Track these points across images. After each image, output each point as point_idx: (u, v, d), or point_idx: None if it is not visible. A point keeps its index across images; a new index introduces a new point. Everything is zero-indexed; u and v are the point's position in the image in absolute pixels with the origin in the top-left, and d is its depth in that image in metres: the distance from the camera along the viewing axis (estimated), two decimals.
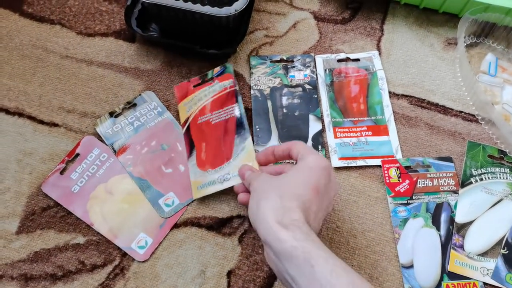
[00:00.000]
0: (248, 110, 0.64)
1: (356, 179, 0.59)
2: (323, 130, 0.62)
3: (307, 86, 0.65)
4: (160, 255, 0.55)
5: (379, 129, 0.62)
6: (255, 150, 0.59)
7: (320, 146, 0.61)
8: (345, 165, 0.60)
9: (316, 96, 0.64)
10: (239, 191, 0.53)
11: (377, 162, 0.60)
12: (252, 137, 0.61)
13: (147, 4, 0.61)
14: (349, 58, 0.67)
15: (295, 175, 0.46)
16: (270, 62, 0.67)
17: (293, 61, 0.67)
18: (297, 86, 0.65)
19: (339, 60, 0.67)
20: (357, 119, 0.63)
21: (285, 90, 0.65)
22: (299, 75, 0.66)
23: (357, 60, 0.67)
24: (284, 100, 0.64)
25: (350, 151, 0.61)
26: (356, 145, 0.61)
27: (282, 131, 0.62)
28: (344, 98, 0.64)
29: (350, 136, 0.62)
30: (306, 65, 0.67)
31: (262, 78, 0.66)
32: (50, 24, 0.70)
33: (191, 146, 0.61)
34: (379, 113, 0.63)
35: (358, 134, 0.62)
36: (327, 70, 0.66)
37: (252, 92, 0.65)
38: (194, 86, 0.65)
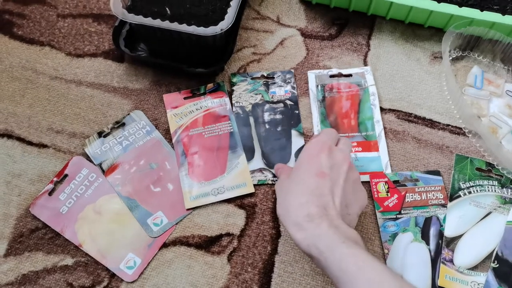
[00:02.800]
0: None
1: None
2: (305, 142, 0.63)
3: (288, 102, 0.66)
4: (149, 275, 0.55)
5: (369, 145, 0.62)
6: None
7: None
8: None
9: (297, 112, 0.65)
10: None
11: (367, 178, 0.60)
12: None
13: (134, 25, 0.62)
14: (341, 74, 0.68)
15: (298, 168, 0.48)
16: (251, 79, 0.67)
17: (274, 78, 0.67)
18: (278, 102, 0.66)
19: (331, 76, 0.67)
20: (347, 134, 0.63)
21: (267, 106, 0.65)
22: (280, 91, 0.66)
23: (350, 75, 0.68)
24: (266, 116, 0.65)
25: None
26: None
27: (265, 148, 0.62)
28: (335, 114, 0.65)
29: None
30: (287, 81, 0.67)
31: (243, 95, 0.66)
32: (40, 45, 0.70)
33: (182, 155, 0.61)
34: (369, 128, 0.64)
35: None
36: (319, 86, 0.66)
37: (234, 109, 0.65)
38: (185, 98, 0.65)
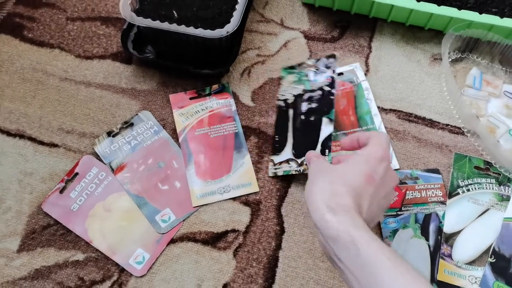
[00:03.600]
0: (244, 129, 0.66)
1: None
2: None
3: (326, 88, 0.65)
4: (157, 270, 0.56)
5: None
6: (271, 160, 0.63)
7: (327, 151, 0.60)
8: None
9: (333, 97, 0.63)
10: None
11: None
12: (273, 145, 0.64)
13: (142, 28, 0.64)
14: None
15: (350, 162, 0.46)
16: (299, 70, 0.68)
17: (317, 65, 0.68)
18: (316, 90, 0.66)
19: None
20: (349, 130, 0.65)
21: (306, 95, 0.66)
22: (321, 78, 0.66)
23: (341, 74, 0.69)
24: (304, 107, 0.65)
25: None
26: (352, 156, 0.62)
27: (296, 139, 0.63)
28: (335, 112, 0.66)
29: None
30: (328, 65, 0.67)
31: (289, 88, 0.67)
32: (50, 48, 0.72)
33: (188, 154, 0.63)
34: (369, 122, 0.65)
35: None
36: None
37: (277, 103, 0.67)
38: (191, 99, 0.67)
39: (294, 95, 0.66)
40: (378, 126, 0.65)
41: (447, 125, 0.66)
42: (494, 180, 0.61)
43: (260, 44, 0.73)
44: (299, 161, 0.61)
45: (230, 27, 0.61)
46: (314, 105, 0.64)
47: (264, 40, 0.73)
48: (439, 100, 0.68)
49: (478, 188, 0.61)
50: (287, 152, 0.62)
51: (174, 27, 0.61)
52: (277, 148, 0.63)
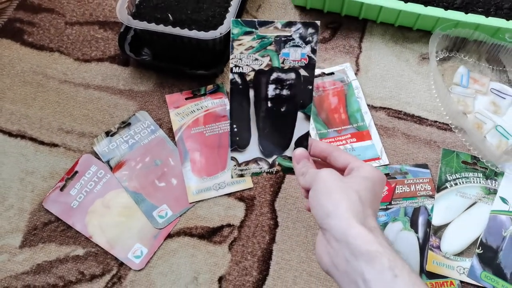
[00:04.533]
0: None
1: None
2: (310, 135, 0.54)
3: (303, 73, 0.49)
4: (155, 264, 0.58)
5: (362, 135, 0.66)
6: (233, 158, 0.51)
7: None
8: None
9: (311, 87, 0.50)
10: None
11: None
12: (231, 139, 0.50)
13: (139, 31, 0.66)
14: (324, 73, 0.72)
15: (365, 183, 0.45)
16: (259, 33, 0.48)
17: (291, 35, 0.48)
18: (289, 70, 0.49)
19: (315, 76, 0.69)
20: (340, 128, 0.67)
21: (274, 75, 0.49)
22: (295, 54, 0.49)
23: (332, 73, 0.72)
24: (271, 90, 0.49)
25: None
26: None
27: (262, 132, 0.50)
28: (326, 111, 0.69)
29: (337, 145, 0.66)
30: (307, 39, 0.48)
31: (245, 57, 0.49)
32: (49, 51, 0.75)
33: (185, 152, 0.65)
34: (359, 120, 0.68)
35: (344, 142, 0.66)
36: None
37: (231, 76, 0.49)
38: (186, 99, 0.69)
39: (254, 70, 0.49)
40: (368, 124, 0.67)
41: (435, 121, 0.68)
42: (481, 174, 0.63)
43: None
44: (270, 160, 0.51)
45: (223, 29, 0.63)
46: (285, 92, 0.50)
47: None
48: (427, 98, 0.70)
49: (466, 182, 0.63)
50: (253, 148, 0.51)
51: (169, 29, 0.63)
52: (238, 143, 0.50)
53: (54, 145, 0.67)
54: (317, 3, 0.76)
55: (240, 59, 0.49)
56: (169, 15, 0.66)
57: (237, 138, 0.50)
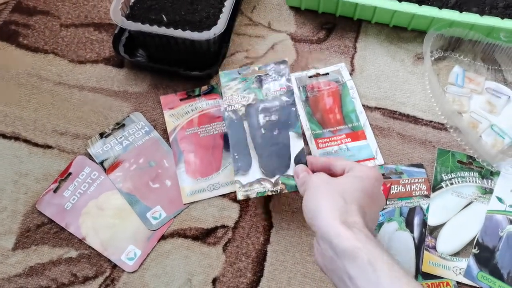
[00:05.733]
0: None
1: None
2: (305, 143, 0.64)
3: (284, 99, 0.60)
4: (149, 266, 0.58)
5: (357, 135, 0.66)
6: (236, 180, 0.58)
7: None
8: None
9: (294, 109, 0.60)
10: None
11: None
12: (234, 165, 0.59)
13: (133, 32, 0.66)
14: (319, 73, 0.71)
15: (354, 181, 0.47)
16: (242, 76, 0.63)
17: (267, 71, 0.63)
18: (273, 99, 0.61)
19: (310, 76, 0.71)
20: (335, 128, 0.67)
21: (261, 106, 0.60)
22: (274, 86, 0.61)
23: (327, 74, 0.71)
24: (261, 119, 0.60)
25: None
26: (338, 152, 0.64)
27: (262, 156, 0.59)
28: (321, 111, 0.68)
29: (332, 145, 0.65)
30: (281, 73, 0.62)
31: (235, 97, 0.62)
32: (44, 53, 0.75)
33: (179, 153, 0.64)
34: (354, 120, 0.67)
35: (339, 142, 0.65)
36: (301, 87, 0.70)
37: (226, 114, 0.61)
38: (181, 100, 0.69)
39: (244, 105, 0.61)
40: (363, 124, 0.67)
41: (431, 121, 0.68)
42: (477, 173, 0.63)
43: (248, 46, 0.75)
44: (273, 180, 0.57)
45: (217, 30, 0.63)
46: (274, 117, 0.60)
47: (252, 43, 0.75)
48: (422, 98, 0.70)
49: (461, 182, 0.62)
50: (255, 171, 0.58)
51: (163, 30, 0.63)
52: (242, 168, 0.58)
53: (48, 146, 0.66)
54: (312, 4, 0.76)
55: (231, 99, 0.61)
56: (163, 16, 0.66)
57: (239, 164, 0.59)
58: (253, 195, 0.57)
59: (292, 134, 0.59)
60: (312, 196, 0.47)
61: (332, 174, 0.51)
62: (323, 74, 0.71)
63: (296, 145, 0.58)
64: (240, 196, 0.57)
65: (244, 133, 0.60)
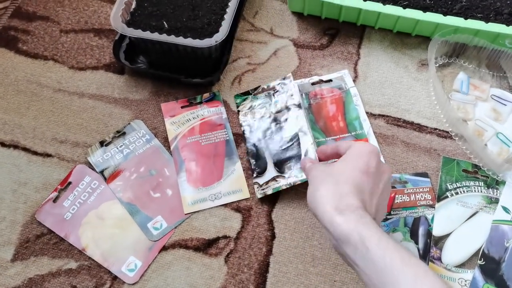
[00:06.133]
0: (235, 136, 0.67)
1: None
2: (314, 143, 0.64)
3: (292, 106, 0.66)
4: (149, 277, 0.57)
5: None
6: (254, 182, 0.62)
7: (314, 157, 0.61)
8: None
9: (301, 110, 0.65)
10: None
11: None
12: (247, 170, 0.64)
13: (134, 38, 0.65)
14: (322, 80, 0.70)
15: (345, 161, 0.49)
16: (253, 95, 0.70)
17: (275, 87, 0.69)
18: (281, 110, 0.67)
19: (313, 83, 0.70)
20: (338, 136, 0.66)
21: (273, 116, 0.67)
22: (282, 98, 0.68)
23: (330, 81, 0.70)
24: (273, 127, 0.66)
25: None
26: None
27: (275, 157, 0.63)
28: (324, 118, 0.67)
29: None
30: (287, 86, 0.69)
31: (249, 113, 0.68)
32: (44, 60, 0.74)
33: (180, 162, 0.64)
34: (358, 128, 0.66)
35: None
36: (303, 94, 0.69)
37: (242, 128, 0.67)
38: (182, 107, 0.68)
39: (256, 119, 0.67)
40: (367, 131, 0.66)
41: (435, 129, 0.67)
42: (482, 183, 0.62)
43: (251, 52, 0.74)
44: (286, 175, 0.61)
45: (219, 36, 0.62)
46: (283, 124, 0.66)
47: (254, 49, 0.74)
48: (427, 105, 0.69)
49: (467, 191, 0.61)
50: (271, 172, 0.63)
51: (164, 37, 0.62)
52: (259, 172, 0.63)
53: (48, 155, 0.65)
54: (315, 10, 0.75)
55: (245, 115, 0.68)
56: (164, 22, 0.65)
57: (256, 169, 0.64)
58: (269, 192, 0.61)
59: (301, 134, 0.64)
60: (311, 187, 0.49)
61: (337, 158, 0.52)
62: (326, 81, 0.70)
63: (305, 142, 0.63)
64: (258, 195, 0.62)
65: (259, 142, 0.66)
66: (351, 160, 0.48)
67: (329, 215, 0.43)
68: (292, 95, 0.67)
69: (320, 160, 0.57)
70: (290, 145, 0.64)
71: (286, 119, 0.66)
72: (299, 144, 0.63)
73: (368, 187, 0.46)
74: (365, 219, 0.42)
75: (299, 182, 0.60)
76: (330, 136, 0.66)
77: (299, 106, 0.66)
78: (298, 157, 0.62)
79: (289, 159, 0.63)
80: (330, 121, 0.67)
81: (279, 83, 0.70)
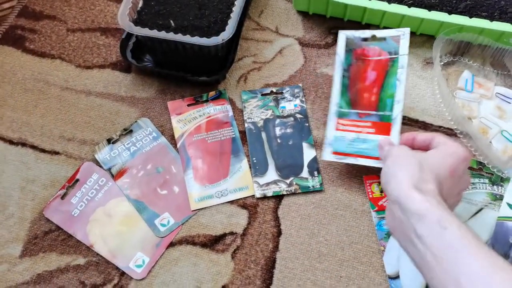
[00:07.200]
0: (241, 134, 0.67)
1: (342, 194, 0.62)
2: (316, 152, 0.65)
3: (298, 116, 0.68)
4: (157, 273, 0.58)
5: (383, 127, 0.59)
6: (254, 181, 0.63)
7: (316, 172, 0.63)
8: (337, 160, 0.61)
9: (307, 124, 0.67)
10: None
11: (368, 162, 0.59)
12: (250, 168, 0.64)
13: (140, 37, 0.66)
14: (375, 36, 0.62)
15: (436, 154, 0.49)
16: (261, 95, 0.70)
17: (283, 93, 0.70)
18: (288, 116, 0.68)
19: (364, 39, 0.62)
20: (364, 112, 0.61)
21: (278, 120, 0.68)
22: (289, 106, 0.69)
23: (384, 39, 0.61)
24: (278, 131, 0.67)
25: (344, 147, 0.61)
26: (354, 141, 0.60)
27: (278, 161, 0.64)
28: (358, 86, 0.61)
29: (351, 131, 0.61)
30: (295, 95, 0.70)
31: (254, 111, 0.68)
32: (51, 58, 0.74)
33: (187, 160, 0.64)
34: (388, 108, 0.59)
35: (360, 129, 0.60)
36: (348, 51, 0.62)
37: (246, 125, 0.67)
38: (188, 105, 0.69)
39: (262, 119, 0.68)
40: (395, 116, 0.59)
41: (440, 127, 0.67)
42: (487, 180, 0.62)
43: (256, 51, 0.74)
44: (288, 181, 0.63)
45: (225, 35, 0.63)
46: (288, 130, 0.66)
47: (260, 48, 0.75)
48: (432, 103, 0.69)
49: (472, 188, 0.62)
50: (271, 173, 0.63)
51: (171, 35, 0.63)
52: (259, 170, 0.64)
53: (55, 152, 0.66)
54: (320, 8, 0.76)
55: (251, 113, 0.69)
56: (171, 21, 0.65)
57: (257, 167, 0.64)
58: (269, 194, 0.62)
59: (305, 145, 0.66)
60: (391, 163, 0.49)
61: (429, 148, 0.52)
62: (379, 38, 0.61)
63: (308, 154, 0.65)
64: (257, 195, 0.62)
65: (262, 142, 0.66)
66: (443, 156, 0.49)
67: (407, 189, 0.44)
68: (299, 105, 0.68)
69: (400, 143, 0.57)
70: (294, 153, 0.65)
71: (291, 126, 0.67)
72: (302, 153, 0.65)
73: (447, 187, 0.47)
74: (443, 204, 0.43)
75: (299, 191, 0.62)
76: (356, 109, 0.61)
77: (305, 117, 0.67)
78: (299, 166, 0.64)
79: (290, 166, 0.64)
80: (362, 91, 0.61)
81: (288, 90, 0.70)
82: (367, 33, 0.61)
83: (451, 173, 0.47)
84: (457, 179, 0.49)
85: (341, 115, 0.62)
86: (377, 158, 0.59)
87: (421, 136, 0.54)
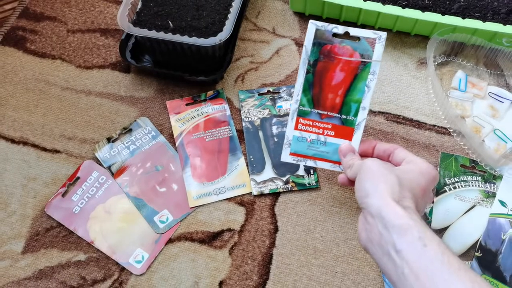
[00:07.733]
0: (238, 132, 0.69)
1: (338, 191, 0.64)
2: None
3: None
4: (156, 269, 0.59)
5: (344, 131, 0.57)
6: (251, 179, 0.64)
7: (312, 170, 0.65)
8: (294, 162, 0.58)
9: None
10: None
11: (327, 166, 0.57)
12: (247, 166, 0.65)
13: (139, 37, 0.67)
14: (348, 34, 0.55)
15: (410, 172, 0.49)
16: (258, 94, 0.71)
17: (279, 92, 0.71)
18: (285, 115, 0.69)
19: (334, 35, 0.56)
20: (326, 113, 0.57)
21: (274, 119, 0.69)
22: (286, 105, 0.70)
23: (358, 39, 0.55)
24: (274, 129, 0.68)
25: (304, 149, 0.58)
26: (312, 143, 0.57)
27: (274, 159, 0.66)
28: (322, 85, 0.57)
29: (311, 131, 0.57)
30: (292, 95, 0.71)
31: (252, 111, 0.70)
32: (52, 59, 0.76)
33: (185, 158, 0.65)
34: (352, 113, 0.56)
35: (320, 131, 0.57)
36: (316, 44, 0.56)
37: (243, 124, 0.69)
38: (187, 105, 0.70)
39: (259, 118, 0.69)
40: (358, 122, 0.56)
41: (434, 126, 0.69)
42: (480, 177, 0.64)
43: (253, 51, 0.76)
44: (284, 179, 0.64)
45: (222, 35, 0.64)
46: (285, 129, 0.63)
47: (257, 48, 0.76)
48: (426, 102, 0.71)
49: (465, 186, 0.63)
50: (268, 171, 0.65)
51: (169, 36, 0.64)
52: (256, 168, 0.65)
53: (56, 151, 0.67)
54: (316, 9, 0.77)
55: (248, 112, 0.70)
56: (169, 22, 0.67)
57: (254, 165, 0.66)
58: (266, 191, 0.63)
59: None
60: (369, 176, 0.48)
61: (390, 161, 0.53)
62: (353, 37, 0.56)
63: None
64: (254, 192, 0.63)
65: (259, 140, 0.68)
66: (417, 175, 0.49)
67: (389, 206, 0.44)
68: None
69: (360, 151, 0.56)
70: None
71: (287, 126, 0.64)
72: None
73: (419, 205, 0.48)
74: (426, 225, 0.43)
75: (295, 188, 0.63)
76: (318, 109, 0.57)
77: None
78: (296, 164, 0.64)
79: (286, 164, 0.64)
80: (327, 91, 0.56)
81: (284, 90, 0.71)
82: (340, 28, 0.55)
83: (422, 191, 0.48)
84: (426, 197, 0.50)
85: (301, 114, 0.57)
86: (336, 163, 0.57)
87: (382, 145, 0.55)
